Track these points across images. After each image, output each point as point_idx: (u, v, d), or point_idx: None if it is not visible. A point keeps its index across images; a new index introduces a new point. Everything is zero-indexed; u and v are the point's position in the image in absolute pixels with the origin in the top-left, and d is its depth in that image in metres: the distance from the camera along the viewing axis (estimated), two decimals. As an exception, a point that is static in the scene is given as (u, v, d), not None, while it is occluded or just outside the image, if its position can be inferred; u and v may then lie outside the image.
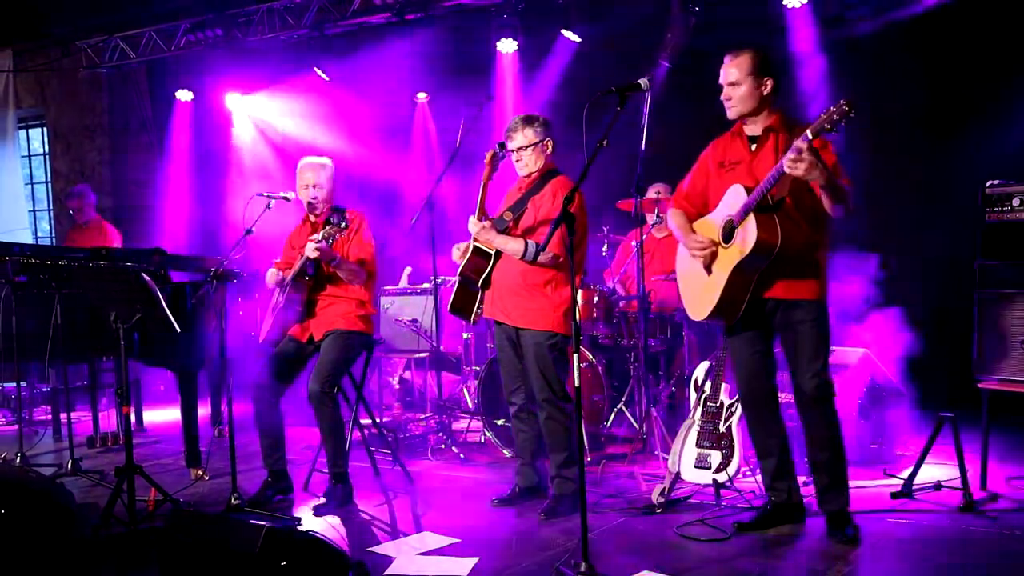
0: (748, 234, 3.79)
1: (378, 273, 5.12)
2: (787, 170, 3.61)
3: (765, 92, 3.93)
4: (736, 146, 4.07)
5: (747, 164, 3.99)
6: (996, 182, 4.57)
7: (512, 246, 4.45)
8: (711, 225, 4.04)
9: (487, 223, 4.54)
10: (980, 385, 4.53)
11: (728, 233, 3.92)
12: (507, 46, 7.64)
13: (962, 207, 5.89)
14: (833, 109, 3.49)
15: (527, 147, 4.56)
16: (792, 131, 3.89)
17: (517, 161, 4.61)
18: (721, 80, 3.98)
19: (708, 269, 4.02)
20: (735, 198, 3.89)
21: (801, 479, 4.26)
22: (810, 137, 3.56)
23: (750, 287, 3.90)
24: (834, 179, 3.68)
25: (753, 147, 4.00)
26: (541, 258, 4.39)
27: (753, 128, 4.01)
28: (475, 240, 4.66)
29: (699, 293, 4.08)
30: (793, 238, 3.80)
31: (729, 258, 3.89)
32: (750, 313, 3.96)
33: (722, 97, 3.99)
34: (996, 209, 4.53)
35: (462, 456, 5.81)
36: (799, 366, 3.96)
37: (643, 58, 6.83)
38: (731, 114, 4.00)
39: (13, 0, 8.67)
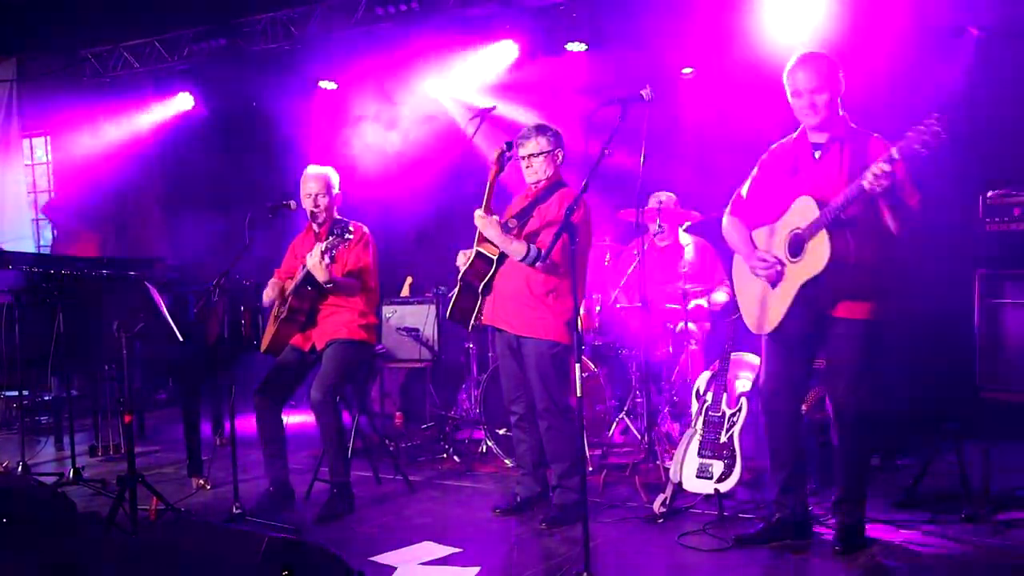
0: (822, 250, 3.64)
1: (379, 286, 5.14)
2: (868, 186, 3.46)
3: (839, 96, 3.81)
4: (799, 154, 3.93)
5: (810, 173, 3.84)
6: (996, 191, 4.57)
7: (514, 247, 4.45)
8: (771, 236, 3.91)
9: (494, 218, 4.54)
10: (983, 395, 4.52)
11: (797, 247, 3.78)
12: (509, 53, 7.63)
13: (963, 215, 5.92)
14: (922, 127, 3.33)
15: (539, 154, 4.57)
16: (857, 140, 3.77)
17: (527, 168, 4.61)
18: (799, 87, 3.79)
19: (773, 283, 3.90)
20: (805, 210, 3.74)
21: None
22: (896, 156, 3.40)
23: (815, 302, 3.78)
24: (903, 198, 3.58)
25: (817, 155, 3.86)
26: (540, 264, 4.39)
27: (818, 136, 3.87)
28: (478, 243, 4.67)
29: (764, 307, 3.94)
30: (859, 254, 3.68)
31: (798, 273, 3.75)
32: (800, 324, 3.87)
33: (803, 105, 3.79)
34: (996, 219, 4.53)
35: (464, 466, 5.81)
36: (839, 384, 3.89)
37: (652, 67, 6.83)
38: (814, 121, 3.80)
39: (18, 9, 8.70)
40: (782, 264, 3.85)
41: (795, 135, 3.99)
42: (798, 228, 3.77)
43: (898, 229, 3.64)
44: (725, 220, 4.16)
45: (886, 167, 3.41)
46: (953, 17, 5.96)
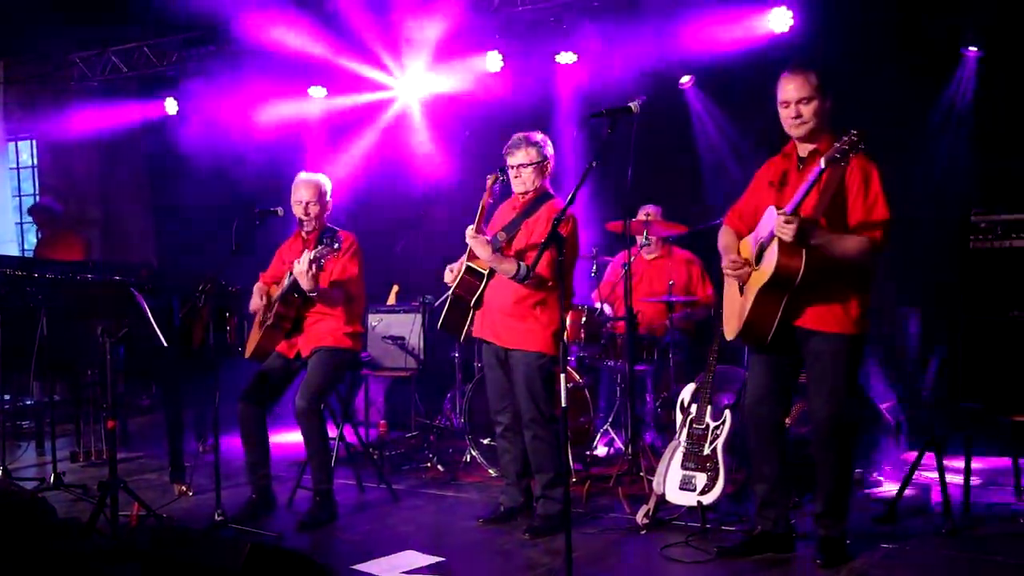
0: (771, 257, 3.72)
1: (365, 295, 5.15)
2: (778, 233, 3.63)
3: (828, 109, 3.87)
4: (786, 166, 4.00)
5: (793, 185, 3.89)
6: (981, 209, 4.62)
7: (505, 266, 4.46)
8: (754, 246, 3.98)
9: (484, 238, 4.55)
10: (964, 410, 4.55)
11: (759, 255, 3.86)
12: (494, 63, 7.64)
13: (947, 232, 5.96)
14: (845, 138, 3.46)
15: (528, 165, 4.58)
16: None
17: (515, 178, 4.62)
18: (786, 97, 3.85)
19: (741, 289, 3.97)
20: (769, 219, 3.82)
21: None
22: (823, 167, 3.54)
23: (777, 312, 3.81)
24: (831, 243, 3.67)
25: (800, 168, 3.92)
26: (529, 280, 4.41)
27: (804, 149, 3.93)
28: (468, 257, 4.68)
29: (732, 312, 4.03)
30: (824, 265, 3.71)
31: (757, 280, 3.82)
32: (779, 338, 3.87)
33: (789, 115, 3.85)
34: (980, 236, 4.58)
35: (448, 475, 5.80)
36: (816, 398, 3.90)
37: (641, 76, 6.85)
38: (800, 132, 3.87)
39: (5, 12, 8.66)
40: (749, 266, 3.92)
41: (786, 148, 4.05)
42: (763, 237, 3.86)
43: (843, 259, 3.72)
44: (721, 229, 4.23)
45: (788, 217, 3.60)
46: (951, 36, 6.01)
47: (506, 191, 4.75)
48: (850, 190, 3.77)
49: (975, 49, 6.02)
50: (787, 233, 3.61)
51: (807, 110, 3.83)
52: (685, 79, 6.98)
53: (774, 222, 3.70)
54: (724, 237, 4.17)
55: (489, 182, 4.65)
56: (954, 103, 6.14)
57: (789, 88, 3.85)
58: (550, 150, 4.64)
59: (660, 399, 6.01)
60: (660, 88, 6.78)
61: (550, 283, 4.44)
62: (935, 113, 6.18)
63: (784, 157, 4.05)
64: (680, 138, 7.12)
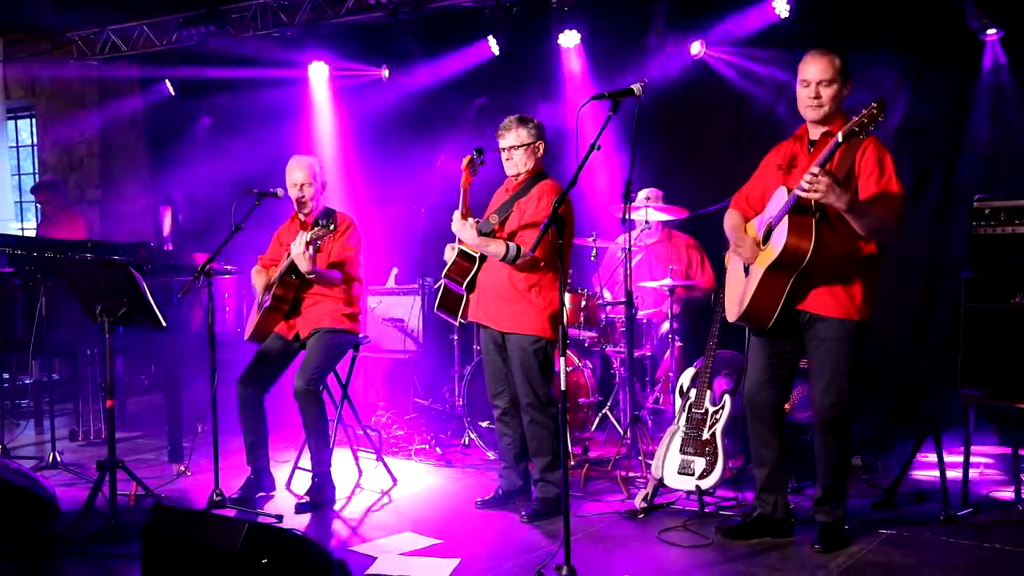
0: (781, 235, 3.70)
1: (364, 276, 5.14)
2: (800, 194, 3.57)
3: (845, 95, 3.84)
4: (796, 149, 3.97)
5: (803, 168, 3.84)
6: (983, 196, 4.60)
7: (492, 248, 4.45)
8: (760, 228, 3.97)
9: (471, 222, 4.54)
10: (964, 397, 4.54)
11: (767, 234, 3.85)
12: (495, 47, 7.57)
13: (949, 219, 5.93)
14: (864, 111, 3.42)
15: (519, 146, 4.55)
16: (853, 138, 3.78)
17: (507, 160, 4.59)
18: (808, 77, 3.80)
19: (747, 270, 3.96)
20: (778, 200, 3.81)
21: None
22: (840, 141, 3.51)
23: (782, 293, 3.79)
24: (858, 206, 3.60)
25: (811, 151, 3.89)
26: (520, 261, 4.39)
27: (817, 132, 3.89)
28: (460, 241, 4.66)
29: (736, 293, 4.03)
30: (831, 248, 3.71)
31: (764, 260, 3.81)
32: (782, 322, 3.86)
33: (808, 95, 3.81)
34: (983, 223, 4.56)
35: (446, 457, 5.81)
36: (817, 384, 3.90)
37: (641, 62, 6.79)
38: (816, 115, 3.83)
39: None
40: (757, 247, 3.90)
41: (797, 132, 4.03)
42: (771, 217, 3.84)
43: (863, 234, 3.68)
44: (727, 212, 4.21)
45: (815, 171, 3.51)
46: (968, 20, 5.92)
47: (494, 173, 4.71)
48: (862, 172, 3.73)
49: (994, 31, 5.89)
50: (819, 187, 3.52)
51: (827, 92, 3.79)
52: (695, 47, 6.84)
53: (784, 200, 3.68)
54: (731, 218, 4.14)
55: (465, 163, 4.60)
56: (998, 82, 6.01)
57: (812, 68, 3.81)
58: (542, 133, 4.60)
59: (659, 383, 6.00)
60: (662, 72, 6.73)
61: (542, 263, 4.42)
62: (971, 95, 6.05)
63: (795, 139, 4.02)
64: (684, 119, 7.06)
